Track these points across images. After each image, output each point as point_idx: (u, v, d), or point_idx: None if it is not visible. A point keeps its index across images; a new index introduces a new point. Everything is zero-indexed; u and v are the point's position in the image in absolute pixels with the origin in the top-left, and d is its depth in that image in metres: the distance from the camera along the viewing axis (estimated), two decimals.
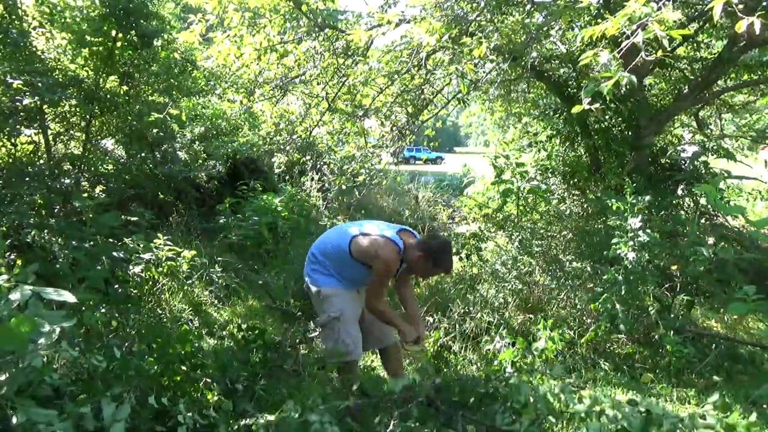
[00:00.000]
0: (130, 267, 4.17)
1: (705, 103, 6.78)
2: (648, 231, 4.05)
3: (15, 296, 1.73)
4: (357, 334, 3.06)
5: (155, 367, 2.05)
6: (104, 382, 1.90)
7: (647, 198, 4.21)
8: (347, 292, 3.08)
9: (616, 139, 5.85)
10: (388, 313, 3.05)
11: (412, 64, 4.87)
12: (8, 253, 3.41)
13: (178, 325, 3.13)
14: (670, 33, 2.14)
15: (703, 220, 5.64)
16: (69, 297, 1.83)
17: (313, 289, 3.08)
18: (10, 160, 4.81)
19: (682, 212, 5.79)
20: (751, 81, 6.05)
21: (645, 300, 4.26)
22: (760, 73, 5.95)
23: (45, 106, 4.68)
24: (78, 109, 5.12)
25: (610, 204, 4.28)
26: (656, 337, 4.10)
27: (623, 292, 3.98)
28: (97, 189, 5.22)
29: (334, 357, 3.01)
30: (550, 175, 6.56)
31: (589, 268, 4.71)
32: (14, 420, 1.53)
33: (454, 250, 4.95)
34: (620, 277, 4.01)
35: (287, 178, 8.65)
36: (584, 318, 4.44)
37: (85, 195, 4.34)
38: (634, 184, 4.25)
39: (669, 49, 4.99)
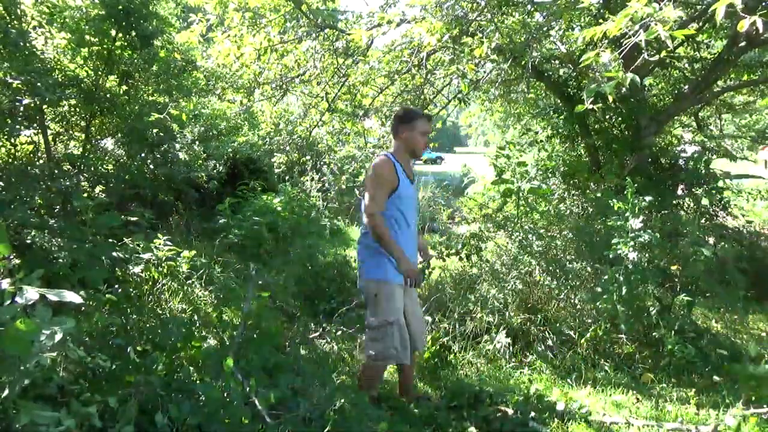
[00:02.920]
0: (130, 267, 4.17)
1: (705, 103, 6.78)
2: (649, 231, 4.04)
3: (21, 300, 1.72)
4: (407, 337, 2.99)
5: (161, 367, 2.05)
6: (110, 382, 1.90)
7: (648, 198, 4.20)
8: (400, 287, 2.95)
9: (616, 139, 5.85)
10: (387, 234, 2.84)
11: (413, 64, 4.87)
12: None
13: (183, 325, 3.12)
14: (673, 33, 2.14)
15: (703, 220, 5.64)
16: (74, 297, 1.81)
17: (372, 287, 2.96)
18: (10, 160, 4.81)
19: (682, 212, 5.79)
20: (751, 81, 6.06)
21: (645, 300, 4.26)
22: (760, 73, 5.96)
23: (45, 106, 4.67)
24: (78, 109, 5.12)
25: (611, 204, 4.28)
26: (656, 337, 4.10)
27: (623, 292, 3.98)
28: (97, 189, 5.21)
29: (380, 360, 2.97)
30: (550, 175, 6.55)
31: (589, 269, 4.71)
32: (18, 423, 1.53)
33: (453, 250, 4.99)
34: (621, 277, 4.01)
35: (287, 178, 8.65)
36: (584, 318, 4.44)
37: (85, 195, 4.33)
38: (635, 185, 4.25)
39: (671, 48, 4.99)
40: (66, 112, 5.13)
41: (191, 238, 6.04)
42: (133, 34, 4.95)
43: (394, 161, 2.99)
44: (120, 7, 4.71)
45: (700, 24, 5.68)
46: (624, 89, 2.25)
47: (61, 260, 3.51)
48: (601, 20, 4.09)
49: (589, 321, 4.37)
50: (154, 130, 5.70)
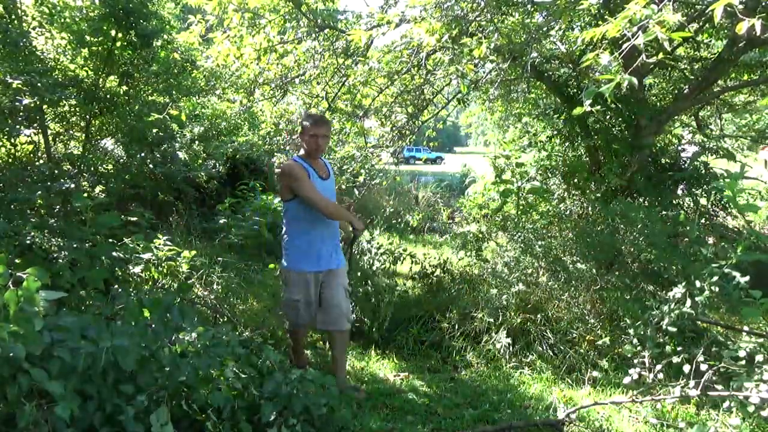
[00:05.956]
0: (130, 267, 4.17)
1: (705, 103, 6.77)
2: (647, 231, 4.04)
3: None
4: None
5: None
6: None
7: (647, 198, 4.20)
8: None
9: (616, 139, 5.84)
10: (342, 209, 3.44)
11: (412, 65, 4.85)
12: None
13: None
14: (670, 35, 2.13)
15: (703, 220, 5.64)
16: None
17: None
18: (10, 160, 4.81)
19: (683, 212, 5.78)
20: (751, 81, 6.04)
21: (645, 300, 4.26)
22: (760, 73, 5.95)
23: (45, 106, 4.68)
24: (78, 109, 5.12)
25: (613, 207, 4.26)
26: (658, 336, 4.09)
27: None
28: (97, 189, 5.21)
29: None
30: (550, 175, 6.54)
31: (594, 270, 4.69)
32: None
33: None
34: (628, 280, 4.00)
35: None
36: (585, 317, 4.44)
37: (85, 195, 4.33)
38: (635, 185, 4.23)
39: (669, 50, 4.98)
40: (66, 112, 5.13)
41: (191, 238, 6.04)
42: (133, 34, 4.96)
43: (298, 163, 3.34)
44: (120, 7, 4.71)
45: (700, 24, 5.67)
46: (624, 90, 2.24)
47: (61, 260, 3.52)
48: (601, 21, 4.09)
49: (590, 321, 4.37)
50: (154, 130, 5.70)
